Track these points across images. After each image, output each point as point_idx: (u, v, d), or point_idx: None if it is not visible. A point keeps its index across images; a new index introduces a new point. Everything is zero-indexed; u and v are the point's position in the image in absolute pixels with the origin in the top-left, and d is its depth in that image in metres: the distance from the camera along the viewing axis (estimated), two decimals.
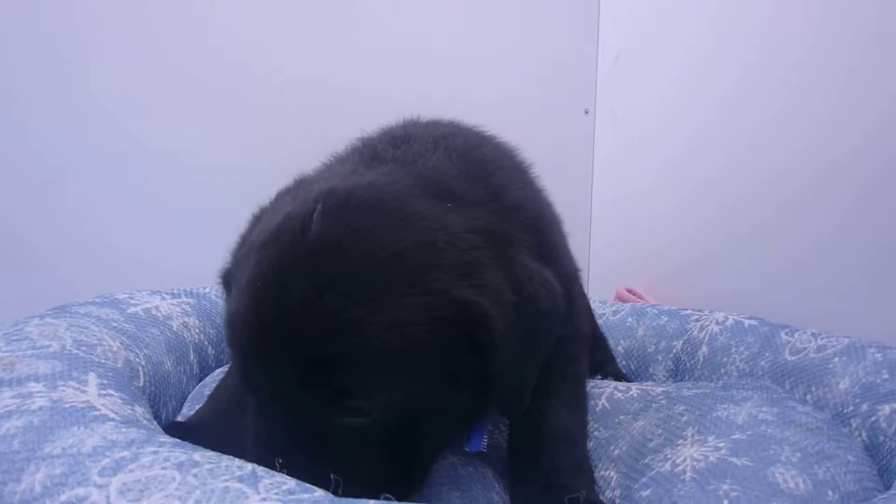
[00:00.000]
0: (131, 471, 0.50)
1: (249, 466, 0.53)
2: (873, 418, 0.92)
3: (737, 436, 0.81)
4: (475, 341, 0.67)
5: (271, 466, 0.60)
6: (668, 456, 0.82)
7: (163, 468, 0.50)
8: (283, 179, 0.87)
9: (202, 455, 0.54)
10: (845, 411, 0.96)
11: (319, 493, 0.49)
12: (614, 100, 2.24)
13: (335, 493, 0.51)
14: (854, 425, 0.94)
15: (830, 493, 0.71)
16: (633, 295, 1.81)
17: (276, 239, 0.68)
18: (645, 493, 0.76)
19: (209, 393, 0.97)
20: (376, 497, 0.51)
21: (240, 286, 0.68)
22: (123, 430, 0.58)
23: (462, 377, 0.69)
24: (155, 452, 0.53)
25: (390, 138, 0.89)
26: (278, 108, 1.95)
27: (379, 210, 0.68)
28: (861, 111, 1.42)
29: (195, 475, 0.49)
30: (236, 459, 0.54)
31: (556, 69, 2.27)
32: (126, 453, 0.53)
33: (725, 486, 0.71)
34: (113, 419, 0.61)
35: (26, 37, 1.72)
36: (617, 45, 2.23)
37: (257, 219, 0.81)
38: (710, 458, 0.77)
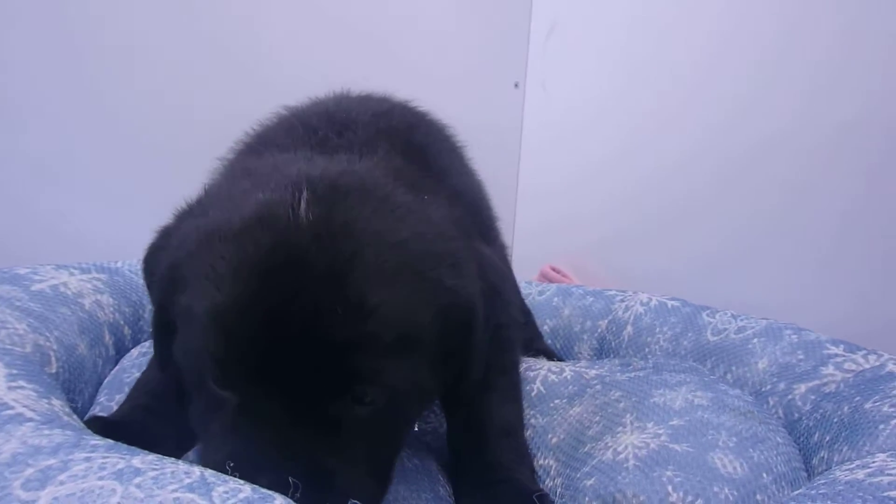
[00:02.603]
0: (62, 482, 0.44)
1: (197, 471, 0.48)
2: (790, 396, 0.97)
3: (675, 422, 0.83)
4: (461, 328, 0.69)
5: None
6: (609, 444, 0.83)
7: (99, 478, 0.45)
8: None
9: (142, 460, 0.48)
10: (763, 390, 1.01)
11: (279, 500, 0.46)
12: (546, 73, 2.17)
13: (293, 499, 0.47)
14: (771, 403, 0.99)
15: (765, 475, 0.75)
16: (558, 274, 1.84)
17: (260, 224, 0.63)
18: (589, 482, 0.77)
19: (129, 380, 0.90)
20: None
21: (223, 276, 0.62)
22: (46, 431, 0.52)
23: (443, 361, 0.70)
24: (88, 459, 0.47)
25: (328, 120, 0.87)
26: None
27: (370, 198, 0.67)
28: (776, 99, 1.48)
29: (138, 485, 0.44)
30: (181, 463, 0.49)
31: (484, 37, 2.18)
32: (53, 461, 0.47)
33: (669, 473, 0.73)
34: (32, 419, 0.54)
35: None
36: (552, 14, 2.14)
37: (189, 213, 0.73)
38: (652, 446, 0.78)
